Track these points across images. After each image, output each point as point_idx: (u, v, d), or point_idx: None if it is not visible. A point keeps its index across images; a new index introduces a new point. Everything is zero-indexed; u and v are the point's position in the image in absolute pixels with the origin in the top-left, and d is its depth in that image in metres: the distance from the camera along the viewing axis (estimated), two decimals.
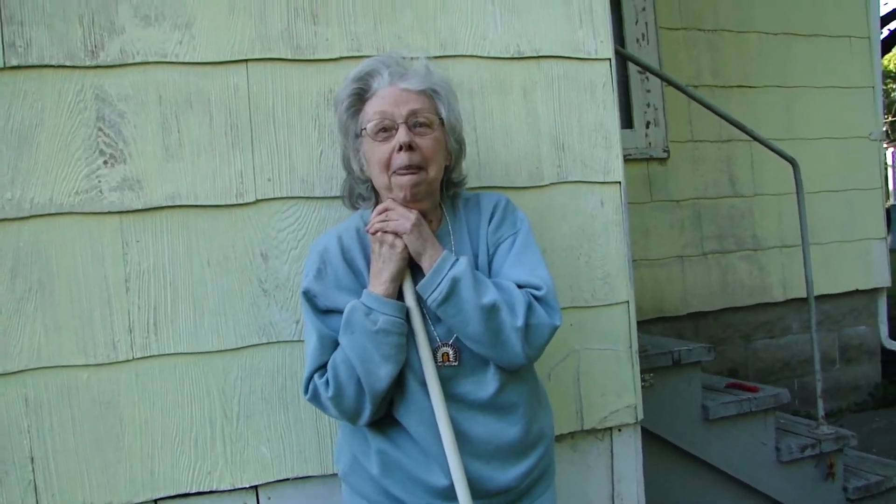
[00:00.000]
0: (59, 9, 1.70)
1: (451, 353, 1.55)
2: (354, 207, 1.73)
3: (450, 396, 1.53)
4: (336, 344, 1.53)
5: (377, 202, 1.64)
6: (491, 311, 1.48)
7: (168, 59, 1.76)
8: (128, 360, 1.74)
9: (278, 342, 1.84)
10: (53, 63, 1.69)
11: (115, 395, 1.74)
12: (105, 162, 1.72)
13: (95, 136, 1.72)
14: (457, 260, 1.53)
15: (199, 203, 1.78)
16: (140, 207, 1.74)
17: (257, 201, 1.82)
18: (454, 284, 1.49)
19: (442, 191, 1.68)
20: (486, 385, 1.57)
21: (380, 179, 1.56)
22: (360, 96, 1.59)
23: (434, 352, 1.54)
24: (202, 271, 1.79)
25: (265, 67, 1.83)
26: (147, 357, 1.76)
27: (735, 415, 3.09)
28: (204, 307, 1.79)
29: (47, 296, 1.70)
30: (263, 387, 1.83)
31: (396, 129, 1.52)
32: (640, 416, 2.17)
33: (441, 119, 1.60)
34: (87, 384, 1.73)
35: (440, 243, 1.58)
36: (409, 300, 1.54)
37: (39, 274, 1.69)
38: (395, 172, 1.53)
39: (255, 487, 1.84)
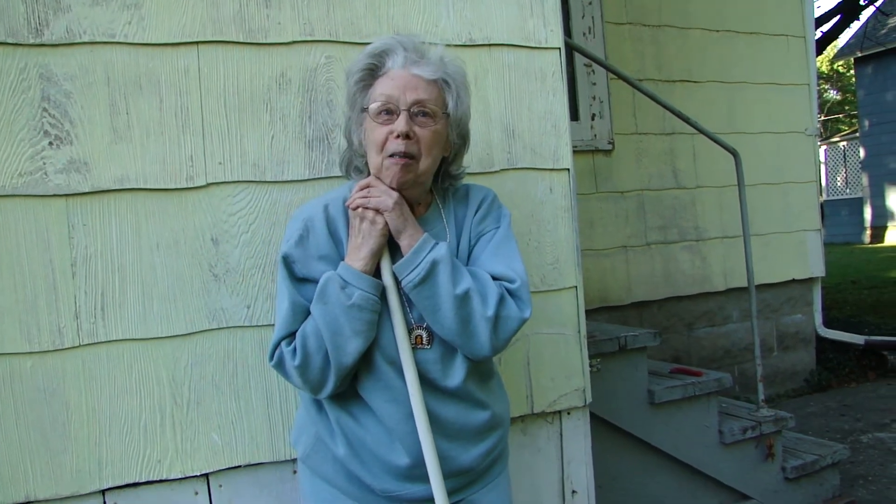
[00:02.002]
0: None
1: (424, 336, 1.56)
2: (349, 177, 1.73)
3: (421, 379, 1.53)
4: (307, 313, 1.53)
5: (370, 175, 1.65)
6: (463, 299, 1.50)
7: (117, 40, 1.72)
8: (74, 347, 1.71)
9: (229, 327, 1.82)
10: None
11: (61, 383, 1.70)
12: (50, 143, 1.68)
13: (40, 116, 1.67)
14: (436, 244, 1.54)
15: (148, 186, 1.75)
16: (87, 190, 1.70)
17: (208, 185, 1.80)
18: (433, 267, 1.50)
19: (437, 180, 1.69)
20: (454, 372, 1.58)
21: (373, 159, 1.57)
22: (372, 72, 1.58)
23: (408, 334, 1.55)
24: (151, 256, 1.76)
25: (217, 50, 1.81)
26: (94, 343, 1.72)
27: (680, 399, 3.16)
28: (153, 292, 1.76)
29: None
30: (214, 373, 1.81)
31: (398, 115, 1.52)
32: (589, 400, 2.22)
33: (446, 112, 1.60)
34: (31, 372, 1.68)
35: (429, 227, 1.60)
36: (387, 278, 1.54)
37: None
38: (388, 157, 1.53)
39: (206, 475, 1.82)
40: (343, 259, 1.55)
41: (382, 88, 1.55)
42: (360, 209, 1.53)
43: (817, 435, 4.36)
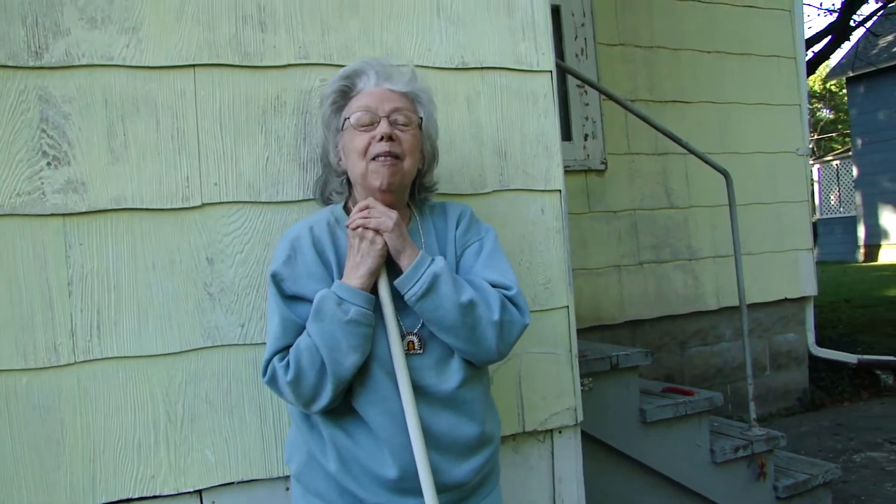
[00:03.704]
0: (1, 8, 1.68)
1: (416, 341, 1.60)
2: (325, 202, 1.79)
3: (414, 388, 1.56)
4: (298, 330, 1.55)
5: (350, 196, 1.72)
6: (468, 307, 1.55)
7: (115, 63, 1.75)
8: (69, 364, 1.72)
9: (223, 346, 1.84)
10: None
11: (56, 400, 1.71)
12: (48, 164, 1.70)
13: (38, 137, 1.70)
14: (433, 259, 1.59)
15: (144, 206, 1.78)
16: (84, 210, 1.73)
17: (203, 205, 1.83)
18: (434, 280, 1.55)
19: (414, 193, 1.77)
20: (449, 377, 1.61)
21: (357, 167, 1.62)
22: (345, 93, 1.69)
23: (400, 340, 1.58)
24: (147, 274, 1.78)
25: (212, 73, 1.84)
26: (89, 361, 1.73)
27: (671, 418, 3.18)
28: (148, 310, 1.78)
29: None
30: (208, 390, 1.83)
31: (378, 123, 1.61)
32: (581, 419, 2.23)
33: (420, 122, 1.69)
34: (27, 389, 1.70)
35: None
36: (384, 294, 1.58)
37: None
38: (373, 159, 1.60)
39: (200, 492, 1.83)
40: (332, 278, 1.59)
41: (360, 102, 1.64)
42: (359, 229, 1.56)
43: (810, 454, 4.37)
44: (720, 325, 5.32)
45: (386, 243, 1.56)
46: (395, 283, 1.57)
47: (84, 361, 1.73)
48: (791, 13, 5.62)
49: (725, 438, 3.41)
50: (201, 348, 1.82)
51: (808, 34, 7.93)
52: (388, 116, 1.61)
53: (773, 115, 5.46)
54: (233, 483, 1.85)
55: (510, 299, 1.63)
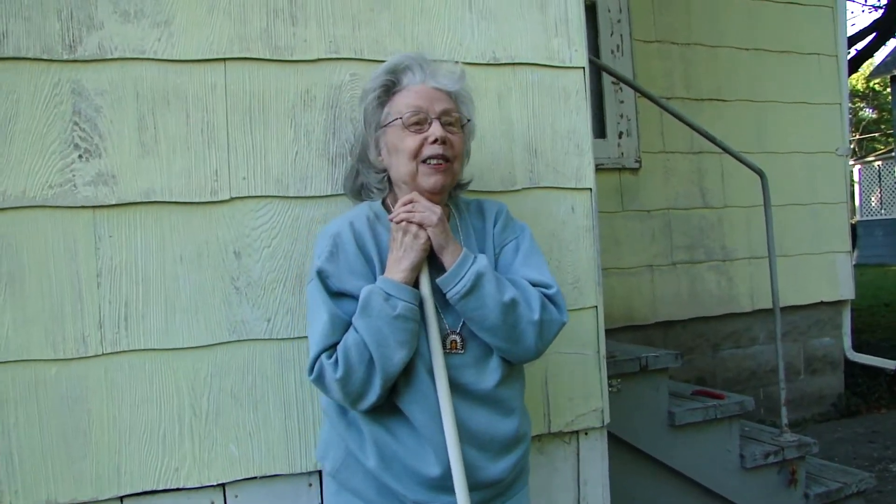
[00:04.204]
0: (37, 2, 1.69)
1: (458, 340, 1.60)
2: (356, 197, 1.78)
3: (453, 386, 1.56)
4: (345, 327, 1.54)
5: (389, 193, 1.71)
6: (510, 306, 1.55)
7: (146, 56, 1.77)
8: (97, 356, 1.74)
9: (249, 340, 1.84)
10: (30, 56, 1.69)
11: (84, 391, 1.73)
12: (80, 156, 1.72)
13: (71, 129, 1.71)
14: (476, 257, 1.59)
15: (173, 200, 1.78)
16: (114, 202, 1.74)
17: (231, 199, 1.83)
18: (478, 279, 1.54)
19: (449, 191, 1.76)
20: (487, 376, 1.61)
21: (405, 167, 1.62)
22: (388, 88, 1.67)
23: (442, 340, 1.58)
24: (174, 267, 1.79)
25: (243, 67, 1.84)
26: (117, 352, 1.75)
27: (701, 421, 3.13)
28: (175, 303, 1.79)
29: (17, 289, 1.69)
30: (233, 384, 1.84)
31: (430, 124, 1.60)
32: (607, 420, 2.21)
33: (463, 122, 1.69)
34: (56, 379, 1.72)
35: None
36: (425, 290, 1.58)
37: (10, 266, 1.68)
38: (424, 162, 1.60)
39: (223, 485, 1.84)
40: (373, 274, 1.59)
41: (408, 100, 1.62)
42: (403, 223, 1.56)
43: (844, 462, 4.28)
44: (754, 328, 5.23)
45: (429, 238, 1.56)
46: (438, 281, 1.57)
47: (111, 353, 1.75)
48: (833, 10, 5.50)
49: (756, 443, 3.35)
50: (227, 342, 1.83)
51: (851, 31, 7.76)
52: (439, 118, 1.61)
53: (813, 114, 5.35)
54: (255, 478, 1.85)
55: (550, 298, 1.63)
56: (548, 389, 2.13)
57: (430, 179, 1.60)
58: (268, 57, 1.86)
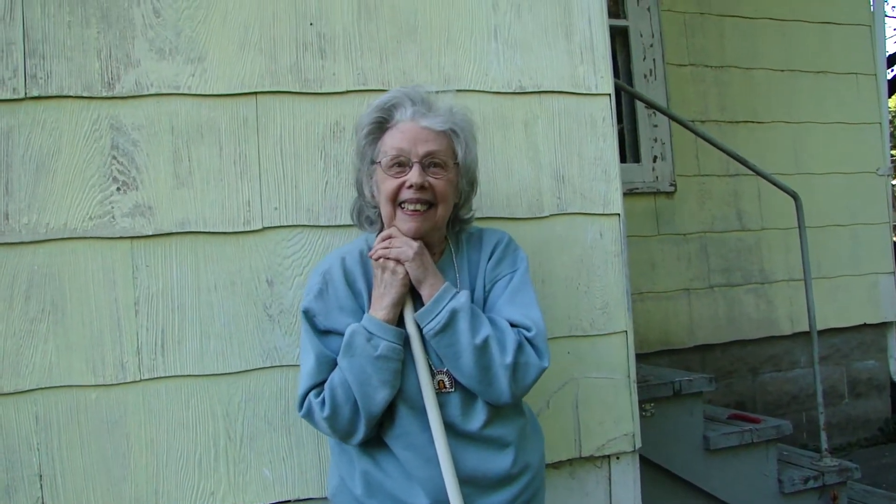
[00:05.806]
0: (79, 43, 1.78)
1: (446, 380, 1.59)
2: (362, 227, 1.78)
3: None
4: (332, 364, 1.57)
5: (382, 227, 1.68)
6: (482, 348, 1.52)
7: (181, 91, 1.84)
8: (135, 381, 1.79)
9: (282, 366, 1.89)
10: (72, 94, 1.77)
11: (123, 415, 1.79)
12: (118, 189, 1.79)
13: (109, 163, 1.78)
14: (457, 292, 1.57)
15: (207, 230, 1.84)
16: (151, 233, 1.80)
17: (264, 229, 1.88)
18: (452, 316, 1.53)
19: (449, 225, 1.73)
20: (473, 417, 1.60)
21: (385, 209, 1.61)
22: (381, 125, 1.63)
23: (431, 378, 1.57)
24: (209, 295, 1.84)
25: (274, 100, 1.90)
26: (154, 378, 1.80)
27: (736, 445, 3.09)
28: (210, 330, 1.84)
29: (59, 317, 1.75)
30: (267, 410, 1.87)
31: (410, 167, 1.57)
32: (639, 445, 2.19)
33: (456, 161, 1.64)
34: (96, 404, 1.77)
35: (442, 274, 1.63)
36: (410, 327, 1.58)
37: (53, 295, 1.75)
38: (401, 207, 1.58)
39: None
40: (363, 309, 1.60)
41: (392, 142, 1.59)
42: (381, 259, 1.57)
43: (891, 489, 4.16)
44: (794, 351, 5.14)
45: (407, 273, 1.56)
46: (416, 315, 1.57)
47: (149, 379, 1.80)
48: (871, 28, 5.43)
49: (795, 468, 3.29)
50: (261, 368, 1.87)
51: (892, 49, 7.65)
52: (420, 161, 1.56)
53: (851, 135, 5.27)
54: (289, 501, 1.88)
55: (529, 340, 1.59)
56: (578, 413, 2.13)
57: (405, 225, 1.58)
58: (298, 90, 1.92)
